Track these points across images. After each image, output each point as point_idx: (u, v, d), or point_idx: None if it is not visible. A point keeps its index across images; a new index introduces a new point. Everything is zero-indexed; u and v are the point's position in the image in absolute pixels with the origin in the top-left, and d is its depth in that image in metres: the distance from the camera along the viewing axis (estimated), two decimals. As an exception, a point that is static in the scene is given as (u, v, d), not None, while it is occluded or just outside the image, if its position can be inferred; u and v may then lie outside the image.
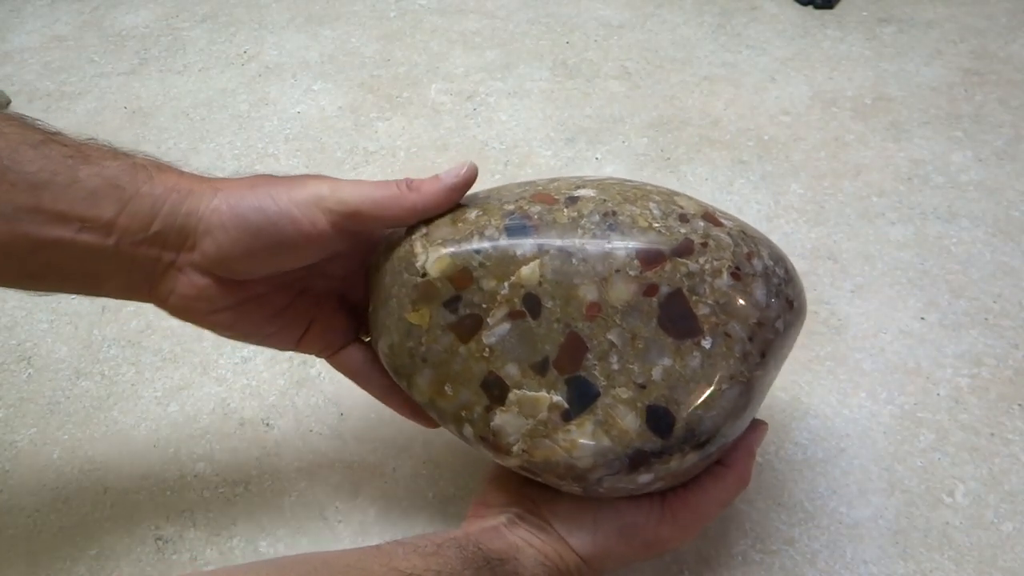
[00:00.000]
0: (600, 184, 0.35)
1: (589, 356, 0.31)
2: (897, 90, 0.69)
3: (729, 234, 0.33)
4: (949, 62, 0.72)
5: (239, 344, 0.52)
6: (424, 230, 0.35)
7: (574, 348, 0.32)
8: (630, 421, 0.31)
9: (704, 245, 0.33)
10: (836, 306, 0.52)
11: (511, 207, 0.34)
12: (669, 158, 0.64)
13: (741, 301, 0.32)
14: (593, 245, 0.32)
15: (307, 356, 0.51)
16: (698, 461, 0.32)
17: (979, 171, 0.61)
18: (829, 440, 0.45)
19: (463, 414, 0.33)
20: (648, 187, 0.35)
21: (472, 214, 0.34)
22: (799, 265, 0.55)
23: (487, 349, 0.32)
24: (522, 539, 0.33)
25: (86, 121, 0.71)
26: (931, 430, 0.45)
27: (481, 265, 0.33)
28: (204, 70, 0.77)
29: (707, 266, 0.32)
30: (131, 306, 0.55)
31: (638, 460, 0.31)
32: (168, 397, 0.50)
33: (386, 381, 0.37)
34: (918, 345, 0.50)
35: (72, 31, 0.84)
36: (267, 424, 0.48)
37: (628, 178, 0.37)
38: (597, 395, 0.31)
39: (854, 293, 0.53)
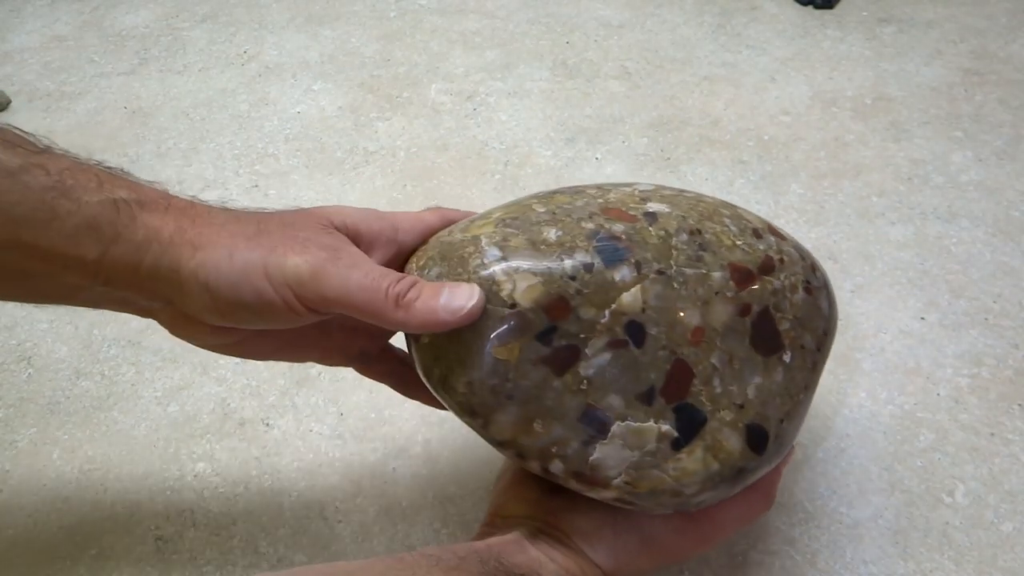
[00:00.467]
0: (664, 197, 0.35)
1: (695, 382, 0.31)
2: (897, 90, 0.69)
3: (796, 248, 0.35)
4: (949, 62, 0.72)
5: (239, 344, 0.52)
6: (498, 253, 0.31)
7: (681, 375, 0.31)
8: (735, 442, 0.31)
9: (781, 261, 0.33)
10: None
11: (590, 225, 0.32)
12: (669, 158, 0.64)
13: (813, 314, 0.34)
14: (690, 267, 0.32)
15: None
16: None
17: (979, 171, 0.61)
18: (829, 440, 0.45)
19: (554, 450, 0.30)
20: (706, 200, 0.35)
21: (551, 233, 0.31)
22: (799, 265, 0.55)
23: (584, 381, 0.30)
24: (544, 553, 0.32)
25: (86, 121, 0.71)
26: (931, 430, 0.45)
27: (578, 293, 0.30)
28: (204, 70, 0.77)
29: (786, 282, 0.33)
30: (131, 306, 0.55)
31: (737, 478, 0.32)
32: (168, 397, 0.49)
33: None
34: (918, 345, 0.50)
35: (72, 31, 0.84)
36: (267, 424, 0.48)
37: (665, 184, 0.37)
38: (705, 420, 0.31)
39: (854, 293, 0.53)
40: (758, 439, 0.31)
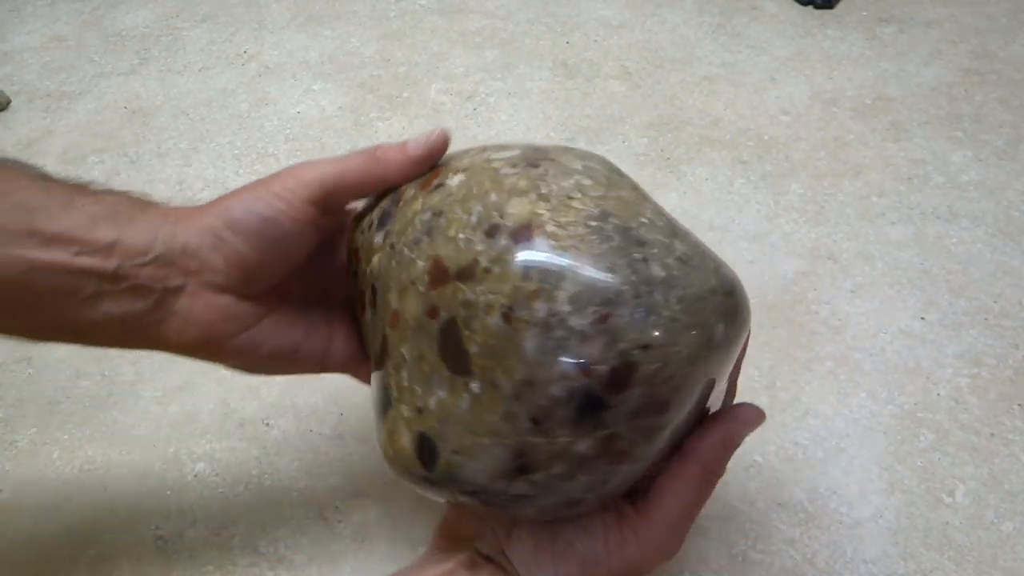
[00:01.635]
0: (475, 168, 0.30)
1: (389, 364, 0.29)
2: (897, 90, 0.69)
3: (525, 263, 0.26)
4: (949, 62, 0.72)
5: (239, 344, 0.52)
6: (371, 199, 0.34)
7: (383, 351, 0.30)
8: (406, 442, 0.29)
9: (487, 271, 0.26)
10: (836, 306, 0.52)
11: (406, 186, 0.32)
12: (669, 158, 0.64)
13: (509, 351, 0.26)
14: (410, 249, 0.29)
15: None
16: (482, 507, 0.29)
17: (979, 171, 0.61)
18: (829, 440, 0.45)
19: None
20: (509, 178, 0.28)
21: (400, 189, 0.32)
22: (799, 265, 0.55)
23: (366, 325, 0.32)
24: None
25: (86, 121, 0.71)
26: (931, 430, 0.45)
27: (361, 247, 0.32)
28: (204, 70, 0.77)
29: (482, 298, 0.26)
30: (131, 306, 0.55)
31: (416, 481, 0.30)
32: (168, 397, 0.49)
33: None
34: (918, 345, 0.50)
35: (72, 31, 0.84)
36: (267, 424, 0.48)
37: (539, 153, 0.30)
38: (390, 405, 0.30)
39: (854, 293, 0.53)
40: (428, 454, 0.28)
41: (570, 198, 0.27)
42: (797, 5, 0.80)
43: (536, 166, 0.29)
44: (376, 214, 0.32)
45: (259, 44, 0.80)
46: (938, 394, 0.47)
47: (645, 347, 0.25)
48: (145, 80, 0.76)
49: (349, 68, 0.76)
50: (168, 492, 0.45)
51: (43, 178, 0.31)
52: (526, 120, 0.68)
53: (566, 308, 0.25)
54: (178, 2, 0.87)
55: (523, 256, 0.26)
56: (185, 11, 0.86)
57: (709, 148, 0.64)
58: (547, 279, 0.25)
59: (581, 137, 0.66)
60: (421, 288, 0.28)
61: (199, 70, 0.77)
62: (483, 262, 0.26)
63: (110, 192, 0.32)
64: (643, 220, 0.27)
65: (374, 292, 0.30)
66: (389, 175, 0.32)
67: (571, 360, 0.25)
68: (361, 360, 0.36)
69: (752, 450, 0.45)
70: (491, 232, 0.27)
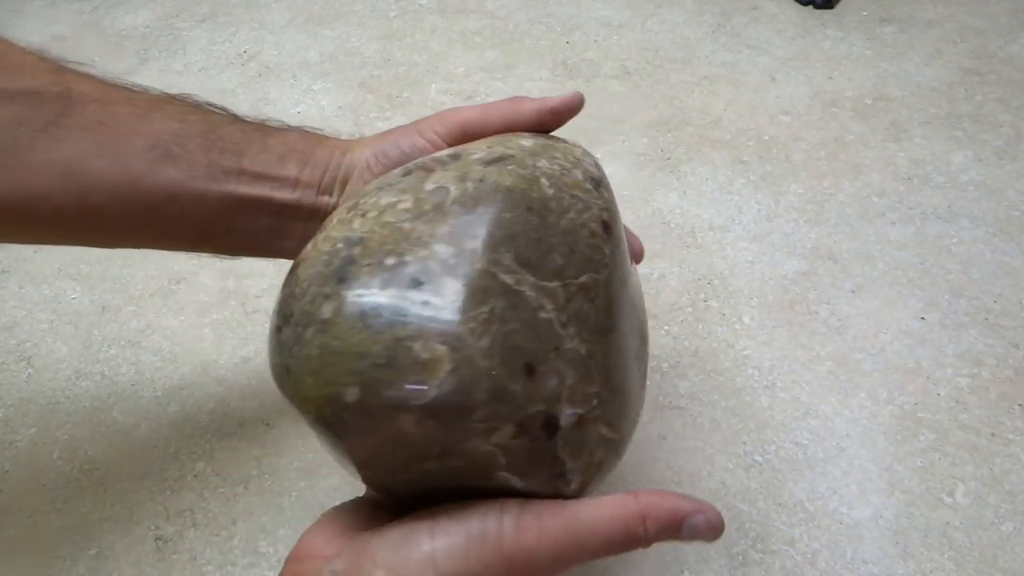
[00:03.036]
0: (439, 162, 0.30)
1: None
2: (897, 90, 0.69)
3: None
4: (949, 62, 0.72)
5: (239, 344, 0.52)
6: None
7: None
8: None
9: None
10: (836, 306, 0.52)
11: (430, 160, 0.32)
12: (669, 158, 0.64)
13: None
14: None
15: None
16: None
17: (979, 171, 0.61)
18: (829, 440, 0.45)
19: None
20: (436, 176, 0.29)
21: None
22: (799, 265, 0.55)
23: None
24: None
25: (86, 121, 0.71)
26: (931, 430, 0.45)
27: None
28: (204, 70, 0.77)
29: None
30: (131, 306, 0.55)
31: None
32: (168, 397, 0.49)
33: None
34: (918, 345, 0.50)
35: (72, 31, 0.84)
36: (267, 424, 0.48)
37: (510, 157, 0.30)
38: None
39: (854, 293, 0.53)
40: None
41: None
42: (797, 5, 0.80)
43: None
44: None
45: (259, 44, 0.80)
46: (938, 394, 0.47)
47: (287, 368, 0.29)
48: (145, 80, 0.76)
49: (349, 68, 0.76)
50: (168, 492, 0.45)
51: (237, 120, 0.37)
52: (526, 120, 0.68)
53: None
54: (178, 2, 0.87)
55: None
56: (185, 11, 0.86)
57: (709, 148, 0.64)
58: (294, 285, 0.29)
59: (581, 137, 0.66)
60: None
61: (199, 70, 0.77)
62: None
63: (289, 130, 0.38)
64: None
65: None
66: (524, 121, 0.36)
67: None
68: None
69: (752, 450, 0.45)
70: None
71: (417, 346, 0.25)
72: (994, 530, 0.41)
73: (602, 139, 0.66)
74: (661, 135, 0.66)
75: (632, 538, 0.26)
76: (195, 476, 0.46)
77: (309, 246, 0.29)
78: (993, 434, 0.45)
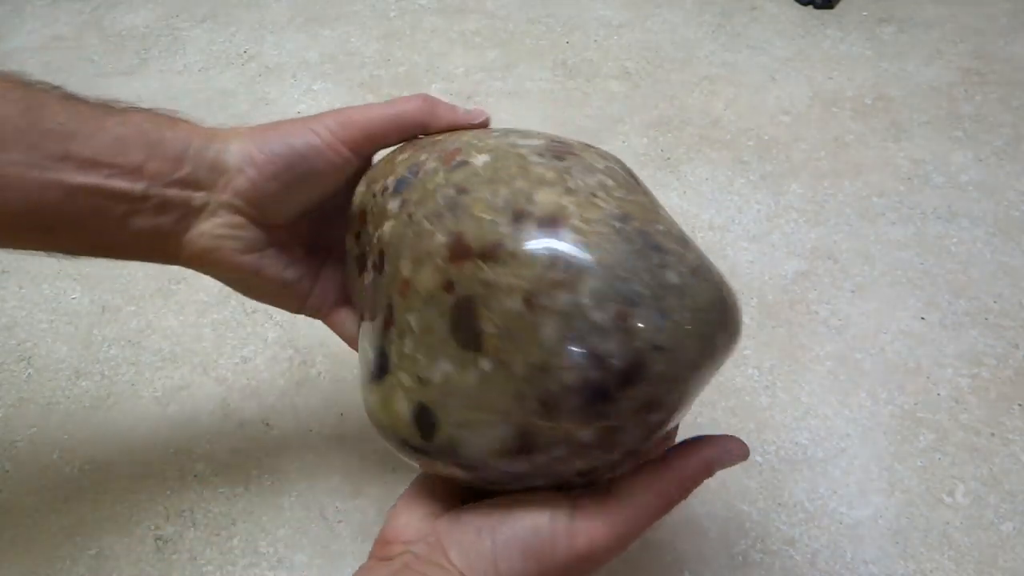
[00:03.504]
0: (500, 151, 0.30)
1: (392, 331, 0.30)
2: (897, 90, 0.69)
3: (551, 251, 0.26)
4: (949, 62, 0.72)
5: (239, 344, 0.52)
6: (374, 163, 0.36)
7: (388, 318, 0.30)
8: (403, 409, 0.30)
9: (512, 255, 0.27)
10: (836, 306, 0.52)
11: (424, 157, 0.32)
12: (669, 158, 0.64)
13: (527, 336, 0.26)
14: (428, 221, 0.29)
15: (307, 356, 0.51)
16: (474, 480, 0.30)
17: (979, 171, 0.61)
18: (829, 440, 0.45)
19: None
20: (536, 167, 0.29)
21: (401, 157, 0.33)
22: (799, 265, 0.55)
23: (366, 288, 0.33)
24: None
25: (86, 121, 0.71)
26: (931, 430, 0.45)
27: (370, 210, 0.33)
28: (204, 70, 0.77)
29: (503, 280, 0.27)
30: (131, 306, 0.55)
31: (404, 448, 0.30)
32: (168, 397, 0.50)
33: None
34: (918, 345, 0.50)
35: (72, 31, 0.84)
36: (267, 424, 0.48)
37: (563, 145, 0.32)
38: (387, 371, 0.30)
39: (854, 293, 0.53)
40: (426, 423, 0.29)
41: (594, 195, 0.28)
42: (797, 5, 0.80)
43: (562, 159, 0.30)
44: (391, 180, 0.32)
45: (259, 44, 0.80)
46: (938, 394, 0.47)
47: (657, 348, 0.26)
48: (145, 80, 0.76)
49: (349, 68, 0.76)
50: (168, 492, 0.45)
51: (68, 98, 0.32)
52: (526, 120, 0.68)
53: (587, 301, 0.26)
54: (178, 2, 0.87)
55: (549, 245, 0.27)
56: (185, 11, 0.86)
57: (709, 148, 0.64)
58: (571, 271, 0.26)
59: (581, 137, 0.66)
60: (439, 261, 0.28)
61: (199, 70, 0.77)
62: (508, 245, 0.27)
63: (136, 110, 0.33)
64: (659, 227, 0.28)
65: (381, 256, 0.31)
66: (433, 127, 0.35)
67: (587, 351, 0.26)
68: (329, 309, 0.38)
69: (752, 450, 0.45)
70: (518, 216, 0.27)
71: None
72: (994, 530, 0.41)
73: (602, 139, 0.66)
74: (661, 135, 0.66)
75: (671, 505, 0.29)
76: (195, 476, 0.46)
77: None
78: (993, 434, 0.45)
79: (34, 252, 0.33)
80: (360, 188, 0.35)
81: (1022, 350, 0.49)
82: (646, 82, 0.71)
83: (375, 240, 0.32)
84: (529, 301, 0.26)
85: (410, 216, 0.30)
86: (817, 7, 0.79)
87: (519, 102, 0.70)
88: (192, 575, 0.42)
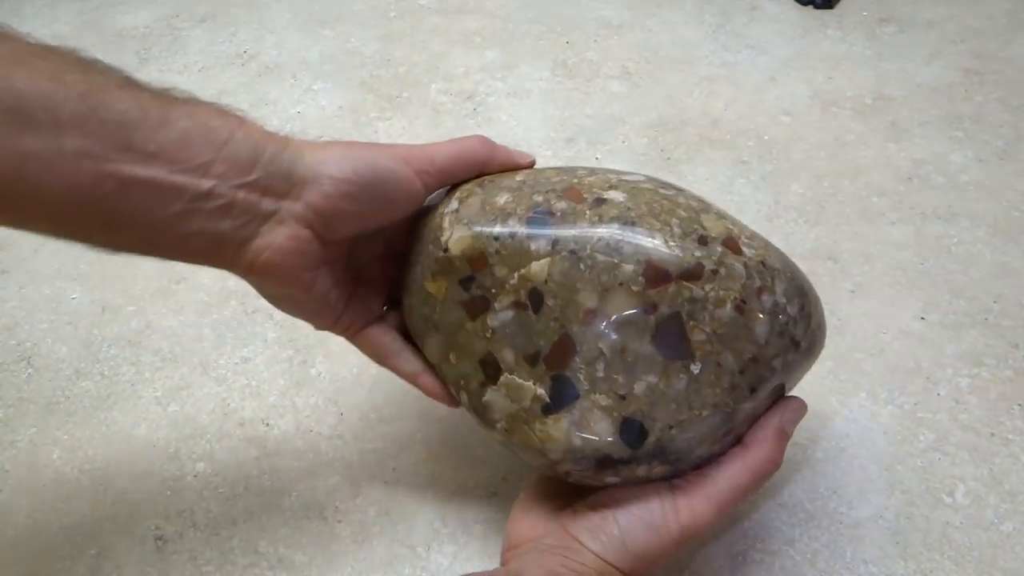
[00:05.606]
0: (633, 188, 0.35)
1: (577, 359, 0.32)
2: (897, 90, 0.69)
3: (746, 264, 0.33)
4: (949, 62, 0.72)
5: (239, 344, 0.52)
6: (456, 206, 0.36)
7: (564, 348, 0.32)
8: (603, 427, 0.32)
9: (715, 272, 0.32)
10: (836, 306, 0.52)
11: (540, 198, 0.34)
12: (669, 158, 0.64)
13: (739, 335, 0.32)
14: (604, 254, 0.32)
15: (307, 356, 0.51)
16: (666, 473, 0.33)
17: (979, 171, 0.61)
18: (829, 440, 0.45)
19: (462, 382, 0.35)
20: (680, 198, 0.35)
21: (501, 198, 0.35)
22: (799, 265, 0.55)
23: (490, 330, 0.34)
24: (560, 564, 0.32)
25: (86, 121, 0.71)
26: (931, 430, 0.45)
27: (497, 252, 0.34)
28: (204, 70, 0.77)
29: (712, 294, 0.32)
30: (131, 306, 0.55)
31: (605, 464, 0.32)
32: (168, 397, 0.50)
33: (413, 364, 0.38)
34: (918, 345, 0.50)
35: (72, 31, 0.84)
36: (267, 424, 0.48)
37: (666, 182, 0.37)
38: (577, 397, 0.32)
39: (854, 293, 0.53)
40: (633, 434, 0.32)
41: (725, 217, 0.35)
42: (797, 5, 0.80)
43: (668, 188, 0.36)
44: (515, 223, 0.34)
45: (259, 44, 0.80)
46: (938, 394, 0.47)
47: (819, 327, 0.35)
48: (145, 80, 0.76)
49: (349, 68, 0.76)
50: (168, 492, 0.45)
51: (131, 84, 0.30)
52: (526, 120, 0.68)
53: (783, 300, 0.33)
54: (178, 2, 0.87)
55: (743, 261, 0.33)
56: (185, 11, 0.86)
57: (709, 148, 0.64)
58: (766, 278, 0.33)
59: (581, 137, 0.66)
60: (635, 288, 0.32)
61: (199, 70, 0.77)
62: (708, 265, 0.32)
63: (201, 103, 0.31)
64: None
65: (535, 294, 0.33)
66: (492, 168, 0.37)
67: (787, 339, 0.33)
68: (359, 328, 0.38)
69: (752, 450, 0.45)
70: (703, 240, 0.33)
71: None
72: (994, 530, 0.41)
73: (602, 139, 0.66)
74: (661, 135, 0.66)
75: (764, 476, 0.34)
76: (195, 476, 0.46)
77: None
78: (993, 434, 0.45)
79: (76, 243, 0.31)
80: (454, 233, 0.35)
81: (1022, 350, 0.49)
82: (646, 82, 0.71)
83: (513, 280, 0.33)
84: (740, 307, 0.32)
85: (574, 252, 0.33)
86: (817, 7, 0.79)
87: (519, 102, 0.70)
88: (192, 575, 0.42)
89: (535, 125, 0.68)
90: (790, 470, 0.44)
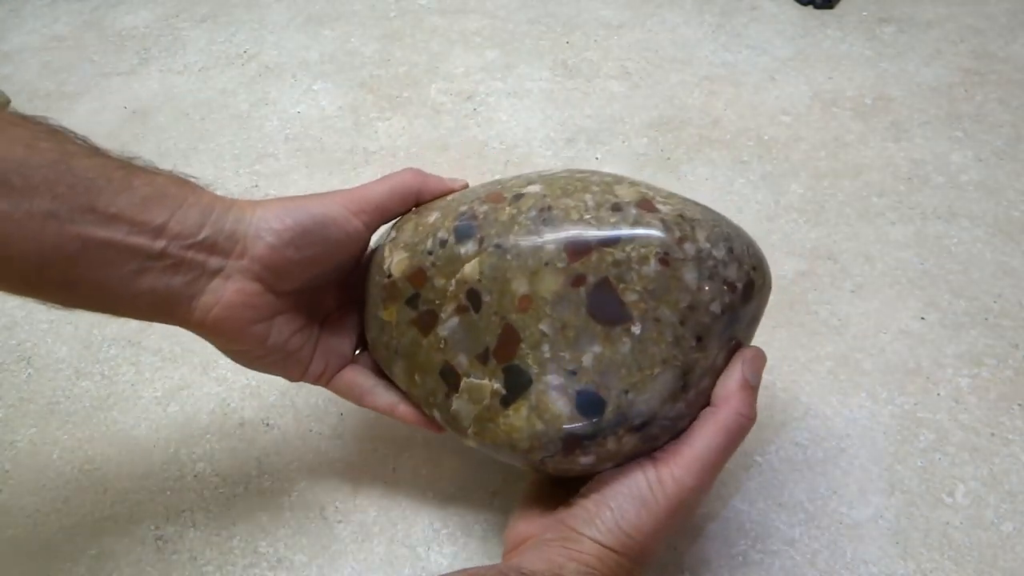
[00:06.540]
0: (549, 179, 0.36)
1: (523, 345, 0.33)
2: (897, 90, 0.69)
3: (662, 220, 0.33)
4: (949, 62, 0.72)
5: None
6: (393, 234, 0.38)
7: (509, 338, 0.33)
8: (561, 406, 0.32)
9: (633, 235, 0.33)
10: (836, 306, 0.52)
11: (464, 208, 0.36)
12: (669, 158, 0.64)
13: (670, 286, 0.32)
14: (526, 241, 0.34)
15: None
16: (640, 443, 0.33)
17: (979, 171, 0.61)
18: (829, 440, 0.45)
19: (430, 400, 0.36)
20: (594, 177, 0.36)
21: (432, 217, 0.37)
22: (799, 265, 0.55)
23: (442, 341, 0.35)
24: (560, 555, 0.33)
25: (86, 121, 0.71)
26: (931, 430, 0.45)
27: (433, 264, 0.35)
28: (204, 70, 0.77)
29: (634, 253, 0.32)
30: (131, 306, 0.55)
31: (572, 443, 0.32)
32: (168, 397, 0.50)
33: (388, 397, 0.39)
34: (918, 345, 0.50)
35: (72, 31, 0.84)
36: (267, 424, 0.48)
37: (583, 169, 0.38)
38: (530, 382, 0.33)
39: (854, 293, 0.53)
40: (590, 405, 0.32)
41: (645, 187, 0.35)
42: (797, 5, 0.80)
43: (583, 173, 0.37)
44: (444, 235, 0.35)
45: (259, 44, 0.80)
46: (938, 394, 0.47)
47: (755, 268, 0.34)
48: (145, 80, 0.76)
49: (349, 68, 0.76)
50: (168, 492, 0.45)
51: (98, 153, 0.33)
52: (526, 120, 0.68)
53: (707, 245, 0.33)
54: (178, 2, 0.87)
55: (661, 217, 0.33)
56: (185, 11, 0.86)
57: (709, 148, 0.64)
58: (685, 228, 0.33)
59: (581, 137, 0.66)
60: (559, 265, 0.33)
61: (199, 70, 0.77)
62: (624, 228, 0.33)
63: (159, 173, 0.34)
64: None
65: (473, 294, 0.34)
66: (426, 196, 0.39)
67: (719, 282, 0.33)
68: (332, 374, 0.39)
69: (752, 450, 0.45)
70: (616, 207, 0.34)
71: None
72: (994, 530, 0.41)
73: (602, 139, 0.66)
74: (661, 135, 0.66)
75: (739, 431, 0.34)
76: (195, 476, 0.46)
77: None
78: (993, 434, 0.45)
79: (33, 299, 0.33)
80: (394, 258, 0.37)
81: (1022, 350, 0.49)
82: (646, 82, 0.71)
83: (451, 287, 0.35)
84: (665, 259, 0.32)
85: (499, 246, 0.34)
86: (817, 7, 0.79)
87: (519, 102, 0.70)
88: (192, 575, 0.42)
89: (535, 125, 0.68)
90: (790, 470, 0.44)
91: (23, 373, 0.51)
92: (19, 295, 0.33)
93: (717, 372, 0.34)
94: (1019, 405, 0.46)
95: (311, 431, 0.47)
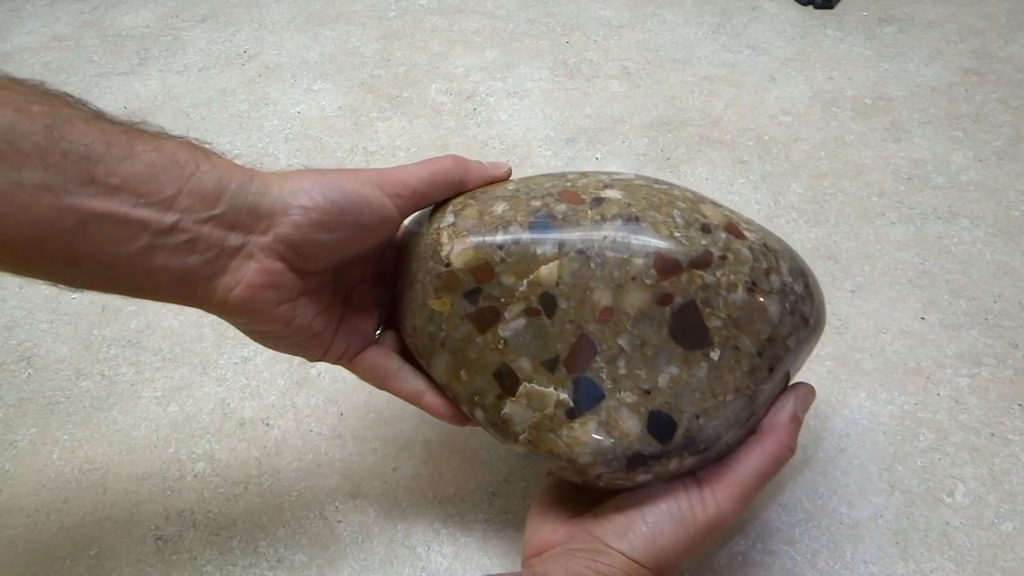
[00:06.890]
0: (628, 185, 0.35)
1: (598, 359, 0.32)
2: (897, 90, 0.69)
3: (750, 248, 0.33)
4: (949, 62, 0.72)
5: (239, 344, 0.52)
6: (452, 220, 0.35)
7: (584, 349, 0.32)
8: (632, 424, 0.31)
9: (723, 258, 0.33)
10: (836, 306, 0.52)
11: (538, 203, 0.34)
12: (669, 158, 0.64)
13: (754, 317, 0.32)
14: (613, 251, 0.32)
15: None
16: (696, 464, 0.33)
17: (979, 171, 0.61)
18: (829, 440, 0.45)
19: (476, 399, 0.34)
20: (675, 191, 0.35)
21: (499, 208, 0.35)
22: (799, 265, 0.55)
23: (502, 341, 0.33)
24: (586, 566, 0.32)
25: (86, 121, 0.71)
26: (931, 430, 0.45)
27: (502, 261, 0.33)
28: (204, 70, 0.77)
29: (723, 279, 0.32)
30: (131, 306, 0.55)
31: (636, 461, 0.32)
32: (168, 397, 0.50)
33: (415, 383, 0.37)
34: (918, 345, 0.50)
35: (72, 31, 0.84)
36: (267, 424, 0.48)
37: (656, 178, 0.37)
38: (602, 397, 0.32)
39: (854, 293, 0.53)
40: (662, 427, 0.31)
41: (728, 210, 0.35)
42: (797, 5, 0.80)
43: (661, 184, 0.36)
44: (518, 230, 0.34)
45: (259, 44, 0.80)
46: (938, 394, 0.47)
47: (821, 304, 0.36)
48: (145, 80, 0.76)
49: (349, 68, 0.76)
50: (168, 492, 0.45)
51: (99, 117, 0.29)
52: (526, 120, 0.68)
53: (789, 279, 0.34)
54: (178, 2, 0.87)
55: (749, 245, 0.33)
56: (185, 11, 0.86)
57: (709, 148, 0.64)
58: (770, 259, 0.34)
59: (581, 137, 0.66)
60: (648, 281, 0.32)
61: (199, 70, 0.77)
62: (715, 252, 0.33)
63: (168, 138, 0.31)
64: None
65: (547, 299, 0.33)
66: (468, 185, 0.37)
67: (798, 317, 0.34)
68: (353, 354, 0.37)
69: (752, 450, 0.45)
70: (706, 229, 0.33)
71: None
72: (994, 530, 0.41)
73: (602, 139, 0.66)
74: (661, 135, 0.66)
75: (781, 462, 0.34)
76: (195, 476, 0.46)
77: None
78: (993, 434, 0.45)
79: (38, 280, 0.30)
80: (455, 247, 0.34)
81: (1022, 350, 0.49)
82: (646, 82, 0.71)
83: (522, 288, 0.33)
84: (751, 289, 0.32)
85: (582, 252, 0.33)
86: (817, 7, 0.79)
87: (519, 102, 0.70)
88: (192, 575, 0.42)
89: (535, 125, 0.68)
90: (790, 470, 0.44)
91: (23, 373, 0.52)
92: (22, 275, 0.29)
93: (771, 402, 0.34)
94: (1019, 405, 0.46)
95: (311, 431, 0.47)
